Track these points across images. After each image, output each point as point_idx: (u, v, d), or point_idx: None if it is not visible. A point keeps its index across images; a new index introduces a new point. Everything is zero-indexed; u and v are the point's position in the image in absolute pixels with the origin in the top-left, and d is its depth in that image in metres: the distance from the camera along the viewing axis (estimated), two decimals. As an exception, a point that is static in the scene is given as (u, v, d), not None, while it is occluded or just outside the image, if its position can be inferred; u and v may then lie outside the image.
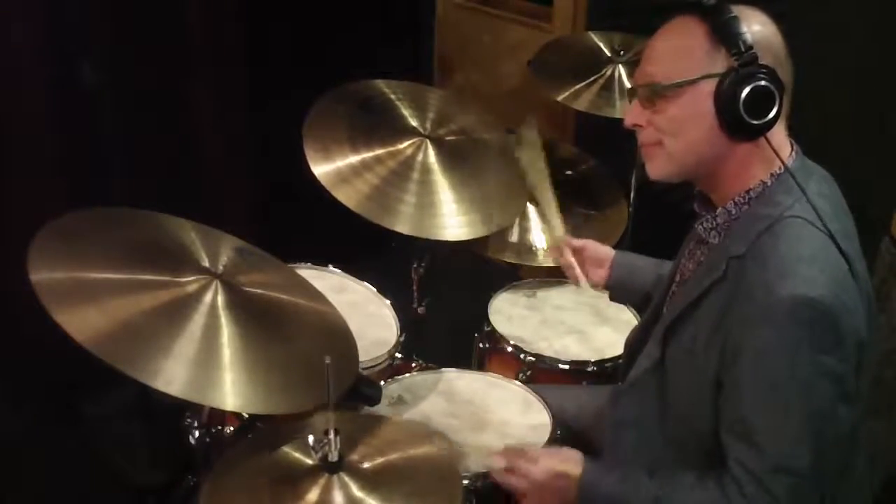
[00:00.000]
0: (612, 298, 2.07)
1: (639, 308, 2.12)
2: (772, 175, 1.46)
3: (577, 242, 2.03)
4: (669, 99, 1.45)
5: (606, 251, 2.01)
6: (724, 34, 1.41)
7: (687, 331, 1.50)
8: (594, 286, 2.02)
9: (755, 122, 1.41)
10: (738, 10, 1.43)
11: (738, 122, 1.41)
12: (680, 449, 1.54)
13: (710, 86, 1.42)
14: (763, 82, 1.39)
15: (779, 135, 1.47)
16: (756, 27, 1.43)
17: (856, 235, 1.50)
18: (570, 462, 1.57)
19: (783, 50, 1.44)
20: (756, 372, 1.38)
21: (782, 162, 1.45)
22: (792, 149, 1.50)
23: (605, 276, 1.99)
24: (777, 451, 1.38)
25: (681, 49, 1.45)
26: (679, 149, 1.48)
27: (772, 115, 1.41)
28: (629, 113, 1.52)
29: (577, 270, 2.00)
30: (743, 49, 1.39)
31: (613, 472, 1.54)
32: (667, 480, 1.49)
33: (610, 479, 1.53)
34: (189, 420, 1.95)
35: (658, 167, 1.52)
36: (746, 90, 1.39)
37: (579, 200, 2.61)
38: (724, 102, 1.41)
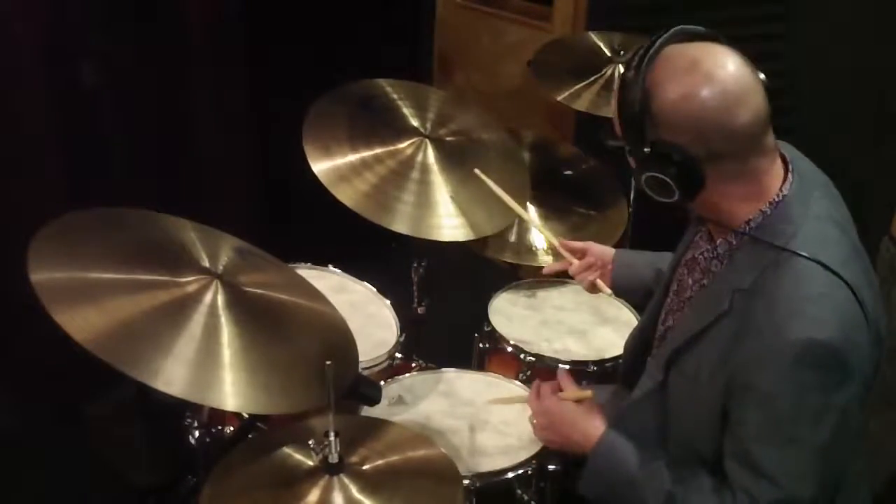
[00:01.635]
0: (616, 295, 2.06)
1: (641, 304, 2.11)
2: (771, 203, 1.43)
3: (578, 246, 2.03)
4: None
5: (606, 252, 2.01)
6: (626, 109, 1.39)
7: (690, 360, 1.49)
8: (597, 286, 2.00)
9: (664, 200, 1.43)
10: (665, 74, 1.35)
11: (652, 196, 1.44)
12: (681, 465, 1.54)
13: None
14: (651, 173, 1.39)
15: (760, 175, 1.42)
16: (671, 99, 1.34)
17: (863, 251, 1.48)
18: (594, 420, 1.63)
19: (718, 117, 1.34)
20: (764, 410, 1.38)
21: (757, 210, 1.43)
22: (787, 172, 1.45)
23: (609, 277, 1.99)
24: (783, 483, 1.39)
25: (616, 109, 1.44)
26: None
27: (675, 197, 1.41)
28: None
29: (598, 279, 1.98)
30: (636, 132, 1.38)
31: (634, 453, 1.55)
32: (683, 478, 1.50)
33: (628, 457, 1.55)
34: (189, 420, 1.95)
35: None
36: (643, 176, 1.42)
37: (579, 200, 2.61)
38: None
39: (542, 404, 1.73)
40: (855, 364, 1.36)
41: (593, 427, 1.62)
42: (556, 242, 2.04)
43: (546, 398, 1.73)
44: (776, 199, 1.43)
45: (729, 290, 1.43)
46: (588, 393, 1.71)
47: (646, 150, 1.38)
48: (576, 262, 2.00)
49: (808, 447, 1.38)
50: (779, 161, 1.45)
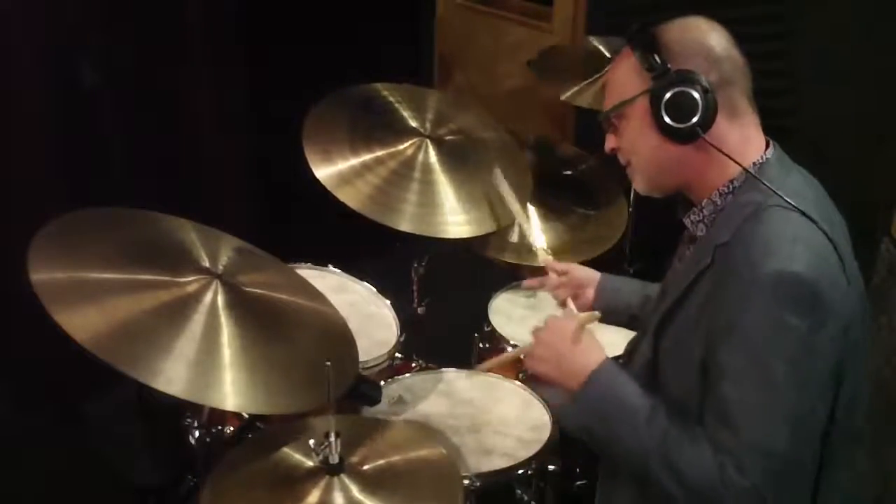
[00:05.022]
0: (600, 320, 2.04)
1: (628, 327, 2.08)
2: (753, 164, 1.50)
3: (561, 266, 2.01)
4: (621, 121, 1.55)
5: (591, 274, 1.98)
6: (641, 53, 1.50)
7: (676, 322, 1.51)
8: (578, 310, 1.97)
9: (684, 124, 1.47)
10: (667, 25, 1.50)
11: (670, 128, 1.48)
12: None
13: (645, 102, 1.50)
14: (678, 88, 1.46)
15: (748, 128, 1.51)
16: (676, 36, 1.49)
17: (842, 224, 1.51)
18: (597, 347, 1.61)
19: (719, 48, 1.48)
20: (739, 348, 1.38)
21: (738, 163, 1.49)
22: (768, 143, 1.53)
23: (591, 300, 1.96)
24: (754, 429, 1.37)
25: (620, 76, 1.56)
26: (642, 164, 1.57)
27: (697, 115, 1.46)
28: (606, 141, 1.62)
29: (567, 297, 1.92)
30: (657, 62, 1.48)
31: (635, 384, 1.53)
32: (679, 425, 1.46)
33: (630, 385, 1.53)
34: (189, 420, 1.95)
35: (638, 184, 1.60)
36: (666, 97, 1.47)
37: (579, 200, 2.61)
38: (654, 114, 1.49)
39: (550, 324, 1.66)
40: (830, 303, 1.37)
41: (597, 350, 1.60)
42: (541, 259, 2.04)
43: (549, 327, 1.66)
44: (759, 161, 1.49)
45: (712, 246, 1.47)
46: (597, 314, 1.68)
47: (670, 67, 1.47)
48: (554, 276, 1.99)
49: (783, 388, 1.36)
50: (758, 130, 1.53)
